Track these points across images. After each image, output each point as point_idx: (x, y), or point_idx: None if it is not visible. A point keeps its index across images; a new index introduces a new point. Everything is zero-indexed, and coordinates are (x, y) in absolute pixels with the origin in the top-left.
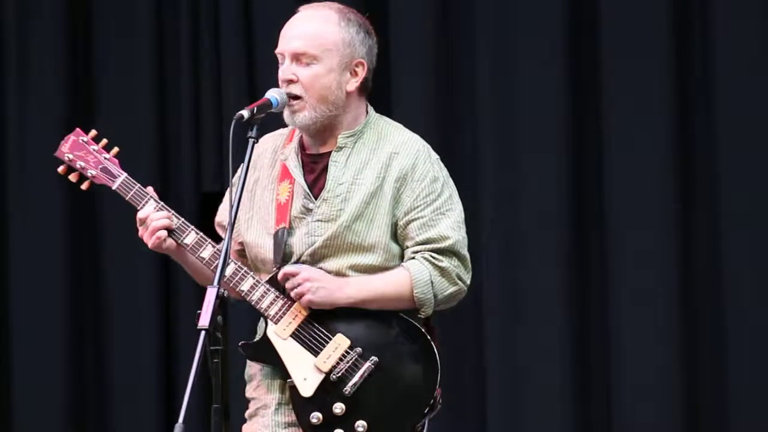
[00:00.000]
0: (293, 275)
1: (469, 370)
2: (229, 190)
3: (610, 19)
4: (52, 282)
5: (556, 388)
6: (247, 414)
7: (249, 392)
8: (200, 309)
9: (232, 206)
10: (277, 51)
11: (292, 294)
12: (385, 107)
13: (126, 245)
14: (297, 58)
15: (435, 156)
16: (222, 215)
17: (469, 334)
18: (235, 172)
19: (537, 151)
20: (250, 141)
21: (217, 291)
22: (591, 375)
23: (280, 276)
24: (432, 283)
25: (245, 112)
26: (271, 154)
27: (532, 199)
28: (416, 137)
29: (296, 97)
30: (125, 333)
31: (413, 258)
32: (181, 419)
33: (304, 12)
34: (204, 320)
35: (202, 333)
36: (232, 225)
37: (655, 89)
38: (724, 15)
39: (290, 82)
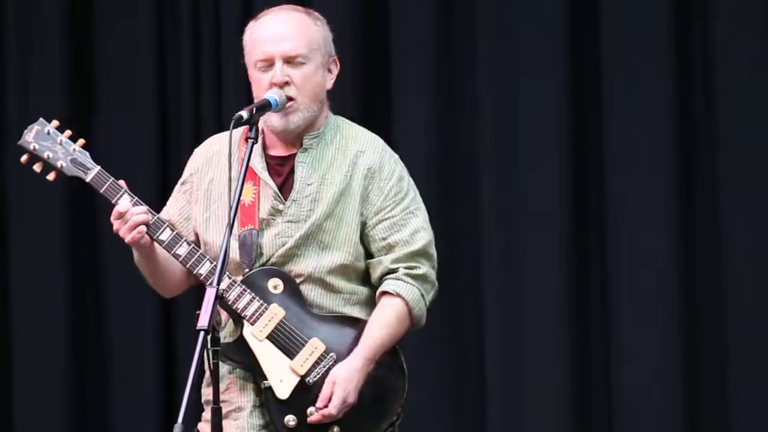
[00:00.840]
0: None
1: (469, 370)
2: (177, 187)
3: (610, 19)
4: (53, 282)
5: (556, 388)
6: (205, 416)
7: (210, 395)
8: (200, 309)
9: (231, 207)
10: (260, 58)
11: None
12: (385, 108)
13: (126, 245)
14: (288, 60)
15: (396, 155)
16: (169, 212)
17: (469, 334)
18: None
19: (537, 151)
20: (250, 141)
21: (217, 291)
22: (591, 375)
23: (314, 419)
24: (422, 295)
25: (245, 113)
26: (227, 156)
27: (532, 199)
28: (376, 136)
29: (289, 99)
30: (125, 333)
31: (393, 280)
32: (180, 419)
33: (277, 15)
34: (203, 320)
35: (202, 333)
36: (232, 225)
37: (655, 89)
38: (724, 15)
39: (285, 84)
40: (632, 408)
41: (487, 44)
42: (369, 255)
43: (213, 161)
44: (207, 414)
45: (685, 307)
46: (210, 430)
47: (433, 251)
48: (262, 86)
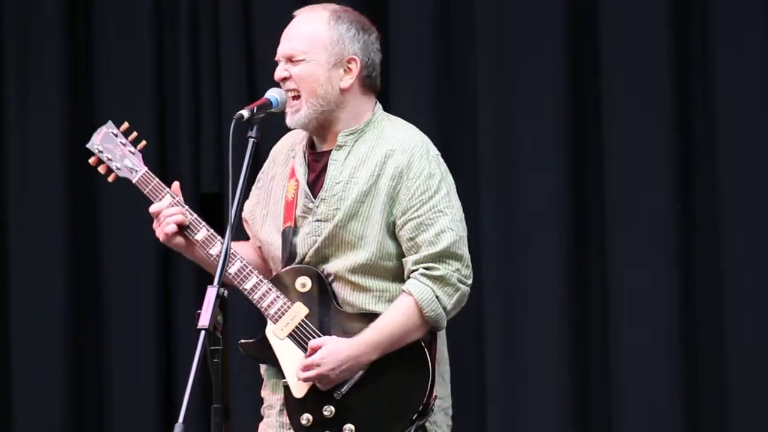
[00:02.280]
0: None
1: (469, 370)
2: (254, 185)
3: (610, 18)
4: (53, 282)
5: (556, 388)
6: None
7: (262, 392)
8: (200, 309)
9: (232, 206)
10: (276, 57)
11: (318, 386)
12: (385, 107)
13: (126, 245)
14: (289, 59)
15: (434, 152)
16: (244, 212)
17: (469, 334)
18: (234, 172)
19: (537, 151)
20: (251, 141)
21: (217, 291)
22: (591, 375)
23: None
24: (437, 297)
25: (245, 112)
26: (288, 151)
27: (532, 199)
28: (416, 134)
29: (296, 97)
30: (125, 333)
31: (411, 279)
32: (181, 419)
33: (298, 17)
34: (204, 320)
35: (202, 333)
36: (233, 225)
37: (655, 89)
38: (724, 15)
39: (284, 79)
40: (632, 408)
41: (487, 44)
42: (404, 255)
43: (277, 159)
44: (263, 411)
45: (685, 307)
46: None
47: (461, 251)
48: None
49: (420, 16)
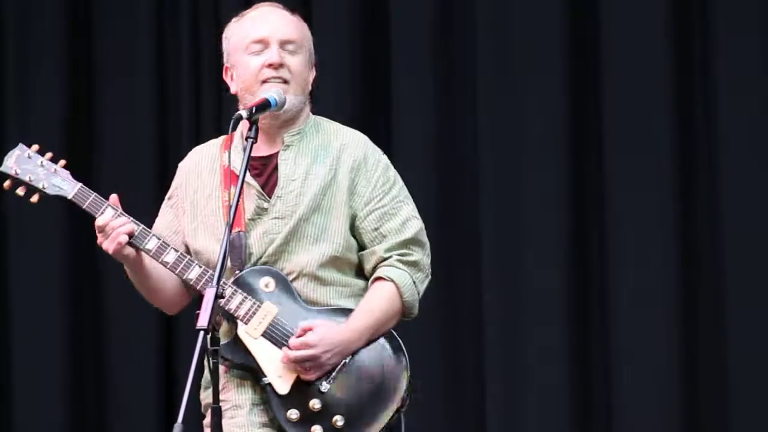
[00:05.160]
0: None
1: (468, 371)
2: (164, 203)
3: (610, 19)
4: (53, 282)
5: (556, 388)
6: (206, 422)
7: (209, 398)
8: (199, 309)
9: (231, 206)
10: (256, 39)
11: (303, 374)
12: (385, 107)
13: None
14: (284, 45)
15: (380, 150)
16: (158, 228)
17: (469, 334)
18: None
19: (537, 151)
20: (249, 141)
21: (216, 291)
22: (591, 375)
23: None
24: (414, 283)
25: (244, 113)
26: (209, 163)
27: (532, 199)
28: (358, 131)
29: (284, 82)
30: (125, 333)
31: (386, 266)
32: (180, 419)
33: (272, 8)
34: (203, 320)
35: (201, 333)
36: (231, 225)
37: (655, 90)
38: (725, 15)
39: (280, 66)
40: (632, 408)
41: (487, 44)
42: (362, 247)
43: (195, 172)
44: (208, 418)
45: (685, 307)
46: None
47: (425, 239)
48: (251, 70)
49: (420, 16)
